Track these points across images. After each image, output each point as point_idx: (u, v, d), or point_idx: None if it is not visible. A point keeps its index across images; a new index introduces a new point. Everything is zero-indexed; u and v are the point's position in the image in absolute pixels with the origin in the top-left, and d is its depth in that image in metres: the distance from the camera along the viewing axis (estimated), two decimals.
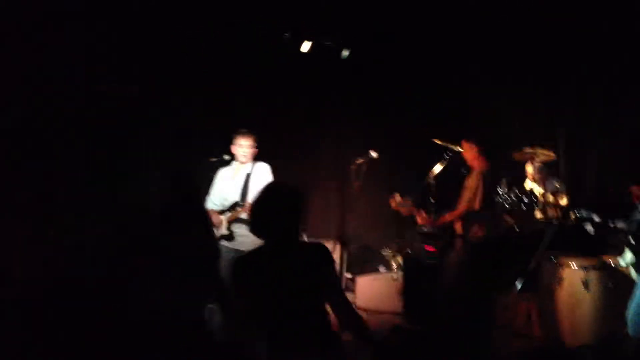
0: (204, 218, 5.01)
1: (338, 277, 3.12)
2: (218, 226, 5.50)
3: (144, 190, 5.96)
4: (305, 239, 7.68)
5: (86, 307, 5.02)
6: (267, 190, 3.19)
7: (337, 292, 3.15)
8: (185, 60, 6.67)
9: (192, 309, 5.49)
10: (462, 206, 5.43)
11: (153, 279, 5.45)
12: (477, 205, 5.27)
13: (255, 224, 3.13)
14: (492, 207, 5.69)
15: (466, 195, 5.38)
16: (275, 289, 3.03)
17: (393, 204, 5.65)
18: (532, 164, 6.88)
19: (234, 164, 5.66)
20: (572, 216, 4.59)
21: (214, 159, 5.73)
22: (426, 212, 5.84)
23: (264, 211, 3.11)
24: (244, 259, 3.15)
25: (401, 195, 5.83)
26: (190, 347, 4.56)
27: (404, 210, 5.65)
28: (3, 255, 5.38)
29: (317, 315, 3.05)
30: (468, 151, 5.53)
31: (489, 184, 5.42)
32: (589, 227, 4.53)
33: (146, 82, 6.35)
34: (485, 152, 5.53)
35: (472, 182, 5.35)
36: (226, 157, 5.67)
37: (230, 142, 5.61)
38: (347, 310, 3.11)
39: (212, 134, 6.54)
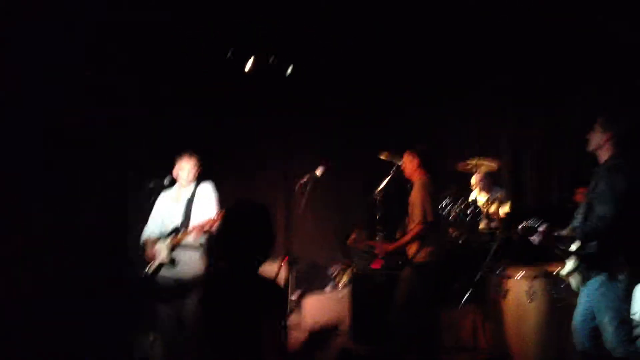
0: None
1: (280, 333, 2.89)
2: (152, 259, 5.22)
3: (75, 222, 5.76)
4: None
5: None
6: (238, 210, 3.02)
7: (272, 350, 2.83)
8: (121, 76, 6.41)
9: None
10: (414, 225, 5.31)
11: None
12: (430, 217, 5.17)
13: (220, 245, 3.01)
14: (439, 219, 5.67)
15: (414, 211, 5.28)
16: (218, 318, 2.86)
17: (350, 242, 5.57)
18: (476, 174, 6.91)
19: (175, 186, 5.38)
20: (519, 227, 4.49)
21: (151, 185, 5.49)
22: (374, 232, 5.76)
23: (231, 231, 2.95)
24: (213, 273, 3.11)
25: (348, 220, 5.74)
26: None
27: (360, 245, 5.57)
28: None
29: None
30: (408, 164, 5.44)
31: (432, 194, 5.33)
32: (534, 238, 4.44)
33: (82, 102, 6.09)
34: (426, 163, 5.44)
35: (416, 196, 5.26)
36: (165, 181, 5.41)
37: (170, 163, 5.36)
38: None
39: (151, 156, 6.31)
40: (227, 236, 2.96)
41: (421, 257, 5.16)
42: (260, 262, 2.94)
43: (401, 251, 5.44)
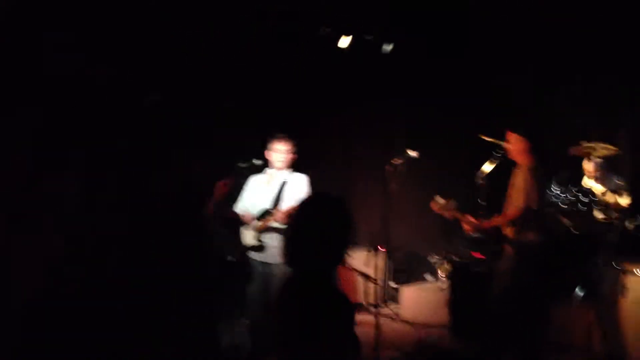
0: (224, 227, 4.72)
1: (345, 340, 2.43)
2: (249, 224, 5.09)
3: (159, 197, 5.70)
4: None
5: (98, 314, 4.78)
6: (309, 205, 2.56)
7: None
8: (215, 55, 6.31)
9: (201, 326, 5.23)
10: (512, 208, 4.94)
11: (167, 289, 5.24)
12: (533, 205, 4.77)
13: (290, 249, 2.49)
14: (546, 207, 5.24)
15: (515, 194, 4.89)
16: (286, 326, 2.47)
17: (435, 207, 5.19)
18: (591, 159, 6.36)
19: (267, 171, 5.24)
20: (631, 225, 4.06)
21: (243, 165, 5.35)
22: (475, 216, 5.36)
23: (304, 231, 2.48)
24: (287, 282, 2.55)
25: (445, 197, 5.35)
26: None
27: (447, 214, 5.17)
28: None
29: None
30: (514, 144, 5.04)
31: (540, 181, 4.90)
32: None
33: (169, 80, 6.03)
34: (534, 145, 5.01)
35: (520, 180, 4.87)
36: (257, 162, 5.26)
37: (262, 146, 5.20)
38: None
39: (243, 137, 6.17)
40: (295, 237, 2.49)
41: (525, 246, 4.77)
42: (332, 269, 2.50)
43: (500, 237, 5.05)
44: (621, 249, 4.97)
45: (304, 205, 2.56)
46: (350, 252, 7.36)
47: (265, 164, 5.23)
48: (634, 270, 4.69)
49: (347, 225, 2.48)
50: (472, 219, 5.13)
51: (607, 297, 4.87)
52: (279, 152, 5.10)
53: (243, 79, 6.64)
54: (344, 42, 6.33)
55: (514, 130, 5.09)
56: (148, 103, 5.79)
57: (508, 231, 5.02)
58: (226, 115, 6.47)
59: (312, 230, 2.46)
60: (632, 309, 4.63)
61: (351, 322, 2.40)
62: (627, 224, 4.22)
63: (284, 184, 5.12)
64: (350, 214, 2.49)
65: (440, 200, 5.14)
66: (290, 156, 5.15)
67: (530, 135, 5.09)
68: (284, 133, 5.17)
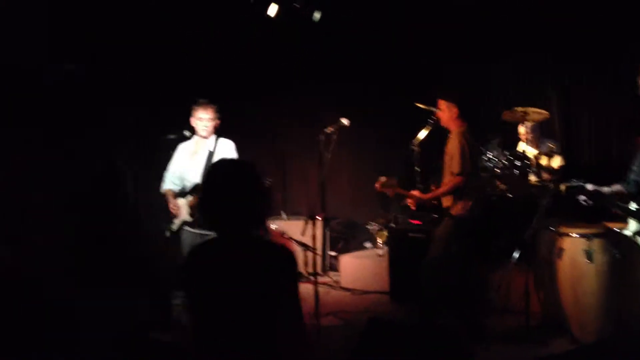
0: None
1: (293, 297, 2.43)
2: (175, 211, 5.00)
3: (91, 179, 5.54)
4: (284, 217, 7.33)
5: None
6: (217, 170, 2.56)
7: (286, 314, 2.41)
8: (137, 26, 6.08)
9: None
10: (448, 175, 4.94)
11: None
12: (467, 168, 4.79)
13: (203, 212, 2.51)
14: (480, 172, 5.32)
15: (449, 161, 4.90)
16: (215, 293, 2.43)
17: (378, 187, 5.16)
18: (524, 124, 6.44)
19: (195, 138, 5.14)
20: (563, 187, 4.12)
21: (172, 136, 5.20)
22: (414, 187, 5.38)
23: (214, 196, 2.48)
24: (198, 248, 2.57)
25: (385, 174, 5.31)
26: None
27: (389, 192, 5.15)
28: None
29: (259, 337, 2.40)
30: (445, 111, 5.03)
31: (472, 145, 4.92)
32: (582, 197, 4.06)
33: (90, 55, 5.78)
34: (464, 112, 5.01)
35: (452, 146, 4.88)
36: (187, 133, 5.14)
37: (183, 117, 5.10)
38: (288, 338, 2.41)
39: (171, 108, 5.98)
40: (210, 204, 2.50)
41: (459, 210, 4.80)
42: (253, 229, 2.50)
43: (440, 206, 5.06)
44: (555, 211, 5.04)
45: (214, 169, 2.55)
46: (284, 220, 7.34)
47: (194, 132, 5.13)
48: (569, 232, 4.74)
49: (259, 187, 2.51)
50: (414, 194, 5.13)
51: (543, 259, 4.95)
52: (203, 119, 5.02)
53: (169, 49, 6.44)
54: (272, 10, 6.18)
55: (444, 98, 5.07)
56: (64, 73, 5.57)
57: (445, 197, 5.04)
58: (154, 87, 6.27)
59: (226, 193, 2.45)
60: (567, 270, 4.68)
61: (294, 268, 2.45)
62: (560, 186, 4.26)
63: (210, 153, 5.04)
64: (260, 175, 2.51)
65: (382, 179, 5.10)
66: (214, 123, 5.06)
67: (461, 101, 5.08)
68: (206, 99, 5.08)
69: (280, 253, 2.45)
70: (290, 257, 2.45)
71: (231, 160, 2.70)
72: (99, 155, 5.93)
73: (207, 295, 2.45)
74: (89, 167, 5.80)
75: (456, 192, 4.89)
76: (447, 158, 5.04)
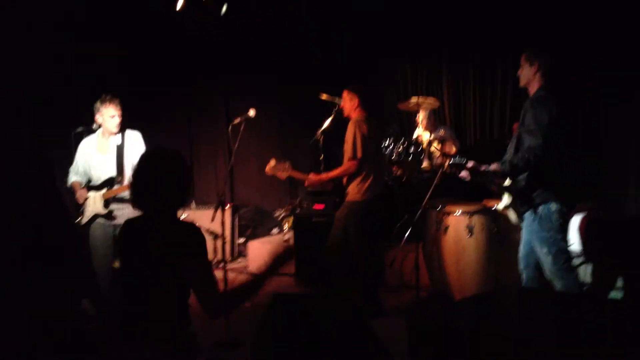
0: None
1: (206, 268, 2.83)
2: (81, 202, 5.10)
3: None
4: (193, 207, 7.50)
5: None
6: (148, 157, 2.97)
7: (202, 284, 2.82)
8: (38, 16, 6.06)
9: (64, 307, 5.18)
10: (345, 161, 5.23)
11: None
12: (359, 154, 5.05)
13: (134, 194, 2.91)
14: (379, 158, 5.61)
15: (346, 147, 5.18)
16: (135, 267, 2.85)
17: (267, 170, 5.35)
18: (421, 111, 6.84)
19: (98, 133, 5.14)
20: (446, 165, 4.51)
21: (80, 129, 5.25)
22: (315, 172, 5.62)
23: (144, 180, 2.89)
24: (129, 223, 2.98)
25: (284, 157, 5.52)
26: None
27: (280, 175, 5.35)
28: None
29: (173, 308, 2.84)
30: (347, 102, 5.30)
31: (368, 132, 5.20)
32: (463, 174, 4.47)
33: None
34: (365, 102, 5.31)
35: (348, 133, 5.14)
36: (95, 126, 5.17)
37: (89, 110, 5.09)
38: (210, 301, 2.83)
39: (70, 102, 6.02)
40: (139, 185, 2.90)
41: (355, 195, 5.09)
42: (174, 210, 2.95)
43: (341, 190, 5.36)
44: (443, 191, 5.45)
45: (146, 157, 2.96)
46: (193, 210, 7.49)
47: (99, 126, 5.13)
48: (452, 210, 5.18)
49: (181, 172, 2.91)
50: (308, 177, 5.34)
51: (431, 236, 5.37)
52: (112, 115, 5.01)
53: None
54: (179, 4, 6.32)
55: (347, 89, 5.35)
56: None
57: (343, 182, 5.32)
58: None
59: (154, 177, 2.86)
60: (452, 245, 5.12)
61: (200, 241, 2.83)
62: (445, 165, 4.64)
63: (120, 147, 5.08)
64: (182, 164, 2.93)
65: (272, 162, 5.29)
66: (119, 118, 5.06)
67: (359, 90, 5.36)
68: (111, 94, 5.07)
69: (193, 230, 2.85)
70: (198, 236, 2.83)
71: (161, 150, 2.96)
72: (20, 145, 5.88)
73: (132, 264, 2.87)
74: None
75: (352, 177, 5.16)
76: (344, 144, 5.32)
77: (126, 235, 2.94)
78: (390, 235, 6.09)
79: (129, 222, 2.97)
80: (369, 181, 5.09)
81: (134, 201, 2.90)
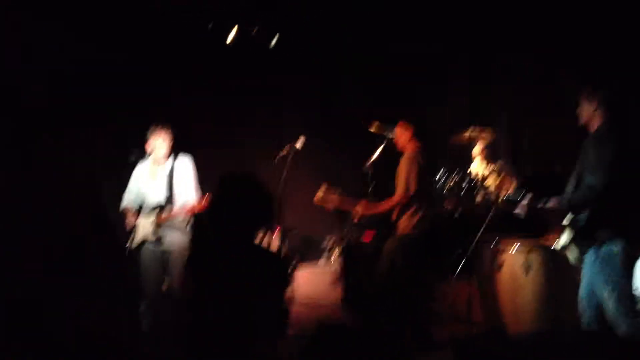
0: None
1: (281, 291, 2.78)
2: (130, 227, 5.16)
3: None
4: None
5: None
6: (228, 182, 2.90)
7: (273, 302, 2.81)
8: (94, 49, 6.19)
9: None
10: (397, 195, 5.19)
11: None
12: (413, 188, 5.02)
13: (213, 219, 2.89)
14: (430, 191, 5.54)
15: (397, 180, 5.15)
16: (212, 290, 2.79)
17: (317, 200, 5.34)
18: (478, 144, 6.73)
19: (151, 159, 5.26)
20: (500, 202, 4.40)
21: (134, 157, 5.34)
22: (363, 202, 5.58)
23: (224, 204, 2.85)
24: (203, 248, 2.99)
25: (333, 185, 5.50)
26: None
27: (328, 206, 5.34)
28: None
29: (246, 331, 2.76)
30: (401, 135, 5.29)
31: (422, 166, 5.16)
32: (518, 210, 4.34)
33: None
34: (419, 135, 5.28)
35: (402, 166, 5.12)
36: (146, 151, 5.28)
37: (142, 136, 5.21)
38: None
39: (125, 130, 6.10)
40: (221, 210, 2.84)
41: (405, 229, 5.04)
42: (257, 234, 2.86)
43: (390, 222, 5.29)
44: (498, 227, 5.33)
45: (222, 181, 2.88)
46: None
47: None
48: (508, 247, 5.04)
49: (263, 194, 2.86)
50: (357, 208, 5.30)
51: (485, 272, 5.24)
52: (160, 142, 5.13)
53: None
54: (230, 37, 6.35)
55: (403, 122, 5.32)
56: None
57: (394, 214, 5.27)
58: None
59: (234, 201, 2.81)
60: (507, 282, 4.98)
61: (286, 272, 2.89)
62: (499, 201, 4.53)
63: (170, 173, 5.16)
64: (263, 184, 2.86)
65: (322, 188, 5.28)
66: (170, 144, 5.18)
67: (415, 124, 5.33)
68: (164, 123, 5.18)
69: (275, 258, 2.89)
70: (282, 261, 2.90)
71: (240, 174, 2.91)
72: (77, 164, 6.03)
73: (209, 288, 2.79)
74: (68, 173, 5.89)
75: (403, 210, 5.11)
76: (396, 176, 5.28)
77: (201, 259, 2.89)
78: (442, 270, 5.97)
79: (201, 248, 2.95)
80: (420, 215, 5.06)
81: (215, 225, 2.85)
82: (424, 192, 5.14)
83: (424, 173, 5.15)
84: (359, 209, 5.28)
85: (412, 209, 5.03)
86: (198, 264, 2.91)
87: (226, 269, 2.76)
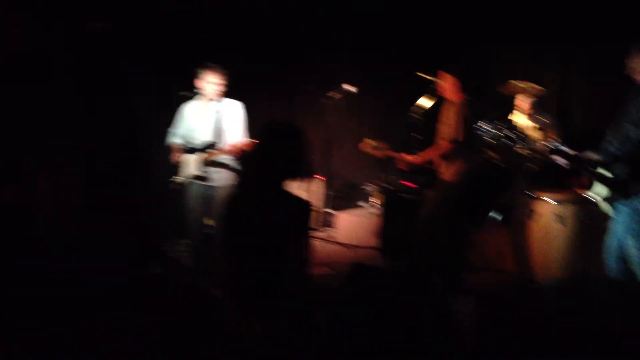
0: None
1: (306, 241, 2.89)
2: (176, 163, 5.31)
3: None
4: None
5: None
6: (270, 128, 2.99)
7: (296, 255, 2.90)
8: None
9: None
10: (442, 142, 5.25)
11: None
12: (460, 138, 5.06)
13: (251, 164, 3.00)
14: (473, 141, 5.57)
15: (444, 129, 5.19)
16: (243, 237, 2.92)
17: (367, 148, 5.43)
18: (525, 97, 6.66)
19: (201, 99, 5.34)
20: (545, 149, 4.40)
21: (185, 93, 5.42)
22: (409, 152, 5.64)
23: (264, 151, 2.94)
24: (234, 199, 3.03)
25: (380, 136, 5.59)
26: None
27: (378, 154, 5.43)
28: None
29: (276, 276, 2.89)
30: (446, 82, 5.30)
31: (468, 117, 5.19)
32: (562, 160, 4.35)
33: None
34: (464, 83, 5.28)
35: (450, 115, 5.15)
36: (196, 91, 5.36)
37: (192, 76, 5.29)
38: (295, 277, 2.90)
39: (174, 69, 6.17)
40: (257, 156, 2.96)
41: (449, 176, 5.10)
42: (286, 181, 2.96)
43: (433, 171, 5.36)
44: (538, 179, 5.35)
45: (265, 129, 2.97)
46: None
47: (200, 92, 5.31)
48: (543, 196, 5.07)
49: (301, 146, 2.95)
50: (404, 157, 5.39)
51: (518, 221, 5.29)
52: (212, 83, 5.18)
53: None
54: None
55: (447, 71, 5.33)
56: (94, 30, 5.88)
57: (438, 163, 5.33)
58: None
59: (271, 149, 2.92)
60: (540, 233, 5.03)
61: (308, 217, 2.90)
62: (543, 150, 4.52)
63: (219, 113, 5.24)
64: (304, 136, 2.95)
65: (372, 142, 5.36)
66: (222, 86, 5.23)
67: (462, 75, 5.33)
68: (217, 64, 5.23)
69: (300, 206, 2.90)
70: (307, 210, 2.90)
71: (281, 122, 3.00)
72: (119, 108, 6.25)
73: (240, 238, 2.93)
74: (110, 118, 6.13)
75: (448, 159, 5.16)
76: (442, 126, 5.31)
77: (234, 206, 2.98)
78: (479, 218, 6.02)
79: (233, 199, 3.02)
80: (464, 163, 5.11)
81: (249, 171, 2.98)
82: (468, 141, 5.17)
83: (470, 123, 5.16)
84: (406, 156, 5.35)
85: (457, 158, 5.07)
86: (233, 204, 3.03)
87: (254, 212, 2.90)
